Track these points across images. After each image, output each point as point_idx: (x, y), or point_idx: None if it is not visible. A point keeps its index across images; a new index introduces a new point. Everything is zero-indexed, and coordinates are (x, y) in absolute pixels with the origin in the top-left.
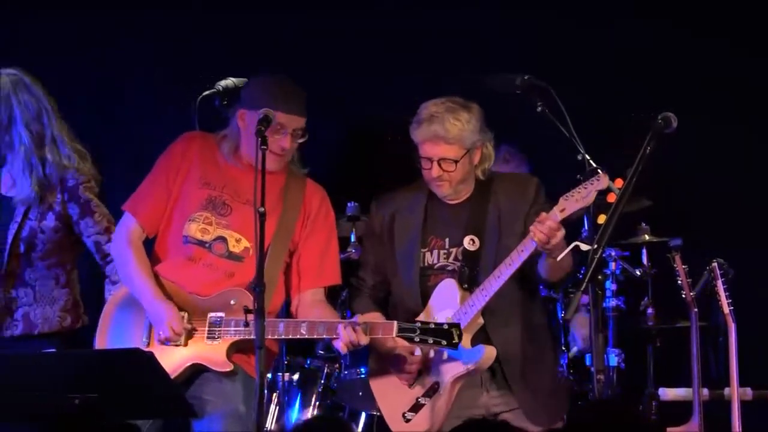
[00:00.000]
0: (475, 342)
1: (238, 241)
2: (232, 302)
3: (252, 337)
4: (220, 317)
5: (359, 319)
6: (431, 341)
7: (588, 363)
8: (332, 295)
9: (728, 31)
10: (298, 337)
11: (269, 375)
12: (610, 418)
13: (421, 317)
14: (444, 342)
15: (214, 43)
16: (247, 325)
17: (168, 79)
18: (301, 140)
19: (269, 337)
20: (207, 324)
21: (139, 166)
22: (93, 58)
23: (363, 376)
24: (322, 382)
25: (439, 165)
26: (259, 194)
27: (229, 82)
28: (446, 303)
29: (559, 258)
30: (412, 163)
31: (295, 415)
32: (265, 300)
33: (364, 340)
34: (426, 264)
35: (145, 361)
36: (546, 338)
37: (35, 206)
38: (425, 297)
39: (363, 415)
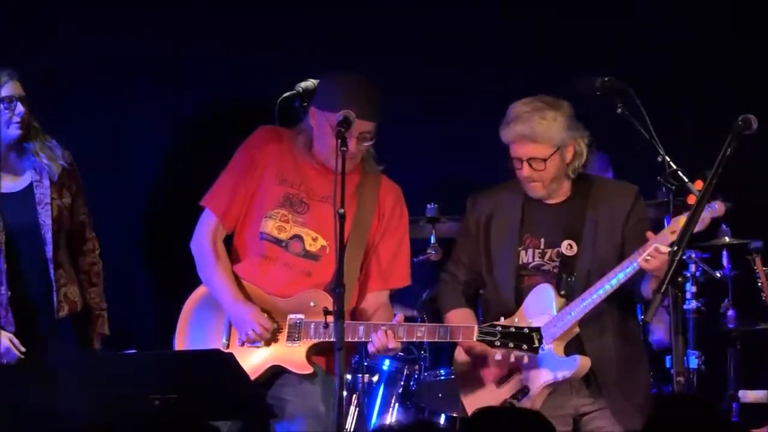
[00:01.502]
0: (568, 350)
1: (314, 239)
2: (311, 304)
3: (332, 339)
4: (300, 319)
5: (449, 315)
6: (512, 345)
7: (668, 365)
8: (413, 297)
9: None
10: None
11: (349, 376)
12: (694, 415)
13: (514, 320)
14: (525, 347)
15: (214, 43)
16: (326, 326)
17: (168, 78)
18: (367, 143)
19: (350, 340)
20: (287, 326)
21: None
22: (93, 58)
23: (443, 377)
24: (402, 383)
25: (530, 165)
26: (338, 196)
27: (309, 83)
28: (541, 308)
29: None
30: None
31: (375, 416)
32: (345, 301)
33: (393, 345)
34: (521, 263)
35: (226, 362)
36: (639, 344)
37: (56, 187)
38: (519, 297)
39: (443, 417)
